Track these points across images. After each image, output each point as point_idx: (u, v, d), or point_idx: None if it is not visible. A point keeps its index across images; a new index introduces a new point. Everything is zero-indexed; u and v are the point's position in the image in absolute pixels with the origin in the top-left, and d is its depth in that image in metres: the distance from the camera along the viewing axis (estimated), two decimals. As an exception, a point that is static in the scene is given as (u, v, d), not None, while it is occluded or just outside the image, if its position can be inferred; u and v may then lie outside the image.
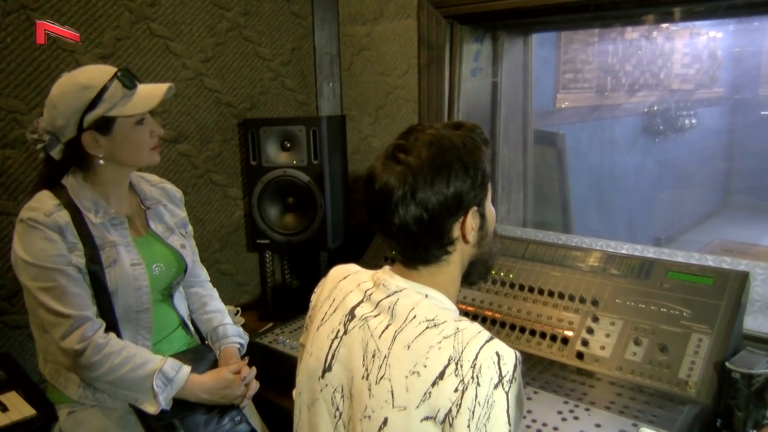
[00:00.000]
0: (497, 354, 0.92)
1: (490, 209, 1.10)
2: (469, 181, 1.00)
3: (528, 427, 1.30)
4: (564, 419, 1.32)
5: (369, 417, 0.97)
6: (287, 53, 2.47)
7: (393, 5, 2.31)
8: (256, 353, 1.73)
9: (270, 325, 2.01)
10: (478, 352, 0.92)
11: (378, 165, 1.03)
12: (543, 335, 1.64)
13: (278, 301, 2.42)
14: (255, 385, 1.58)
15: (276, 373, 1.69)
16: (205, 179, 2.28)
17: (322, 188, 2.18)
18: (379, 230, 1.06)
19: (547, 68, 3.42)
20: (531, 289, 1.74)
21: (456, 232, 1.03)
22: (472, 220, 1.03)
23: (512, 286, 1.78)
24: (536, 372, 1.52)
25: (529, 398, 1.40)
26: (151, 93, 1.44)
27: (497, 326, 1.71)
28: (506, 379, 0.90)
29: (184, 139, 2.18)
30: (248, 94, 2.37)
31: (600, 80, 4.21)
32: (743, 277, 1.50)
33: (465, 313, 1.75)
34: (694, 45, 4.89)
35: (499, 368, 0.90)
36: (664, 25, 4.17)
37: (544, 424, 1.30)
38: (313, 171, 2.18)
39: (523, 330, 1.68)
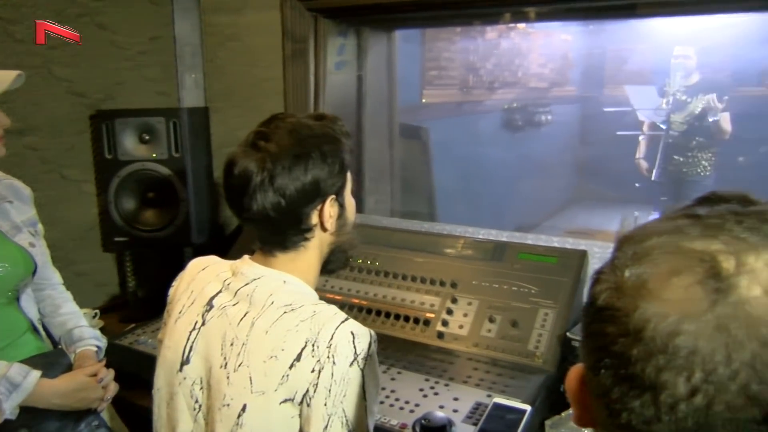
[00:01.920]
0: (352, 333, 0.95)
1: (350, 199, 1.13)
2: (327, 169, 1.03)
3: (391, 405, 1.35)
4: (425, 396, 1.39)
5: (228, 405, 0.97)
6: (145, 42, 2.36)
7: (257, -4, 2.28)
8: (116, 356, 1.65)
9: (132, 326, 1.92)
10: (334, 333, 0.94)
11: (238, 151, 1.03)
12: (407, 319, 1.70)
13: (140, 301, 2.31)
14: (114, 388, 1.51)
15: (138, 374, 1.61)
16: (56, 174, 2.12)
17: (185, 182, 2.11)
18: (238, 216, 1.06)
19: (413, 64, 3.53)
20: (395, 276, 1.80)
21: (314, 219, 1.05)
22: (330, 208, 1.06)
23: (378, 273, 1.83)
24: (400, 354, 1.58)
25: (393, 379, 1.46)
26: None
27: (363, 313, 1.76)
28: (361, 356, 0.94)
29: (31, 132, 2.02)
30: (103, 84, 2.23)
31: (463, 77, 4.42)
32: (582, 255, 1.65)
33: (332, 302, 1.77)
34: (548, 46, 5.28)
35: (354, 347, 0.94)
36: (521, 26, 4.46)
37: (407, 402, 1.36)
38: (175, 164, 2.11)
39: (388, 315, 1.73)
